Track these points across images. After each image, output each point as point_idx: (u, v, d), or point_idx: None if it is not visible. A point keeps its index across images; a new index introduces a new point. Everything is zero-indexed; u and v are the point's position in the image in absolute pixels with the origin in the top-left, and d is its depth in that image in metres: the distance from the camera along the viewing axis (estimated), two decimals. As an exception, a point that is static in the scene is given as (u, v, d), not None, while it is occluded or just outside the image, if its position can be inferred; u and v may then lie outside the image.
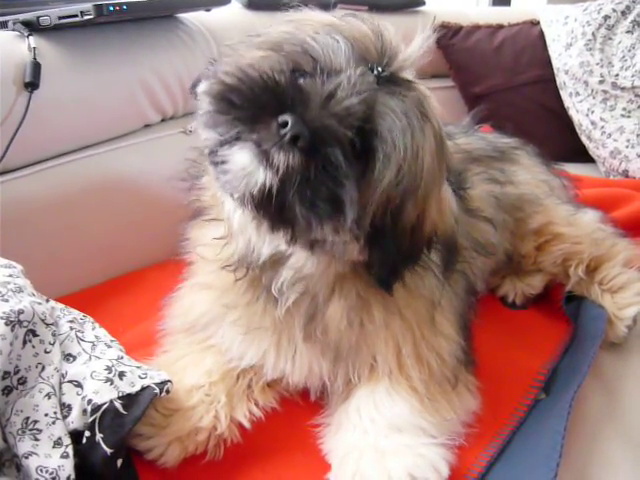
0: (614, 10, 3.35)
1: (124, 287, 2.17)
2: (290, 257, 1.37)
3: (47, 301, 1.52)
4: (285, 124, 1.10)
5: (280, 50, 1.23)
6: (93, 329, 1.53)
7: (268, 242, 1.35)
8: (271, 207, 1.16)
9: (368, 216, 1.22)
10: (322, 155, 1.12)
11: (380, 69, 1.19)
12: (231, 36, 2.46)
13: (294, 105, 1.13)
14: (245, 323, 1.48)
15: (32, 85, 1.96)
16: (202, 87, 1.28)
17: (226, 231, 1.43)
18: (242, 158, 1.14)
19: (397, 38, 1.26)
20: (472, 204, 1.78)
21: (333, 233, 1.21)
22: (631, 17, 3.32)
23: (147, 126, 2.48)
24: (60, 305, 1.54)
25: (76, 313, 1.55)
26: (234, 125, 1.15)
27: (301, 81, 1.19)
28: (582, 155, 3.44)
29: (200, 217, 1.54)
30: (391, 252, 1.29)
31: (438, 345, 1.50)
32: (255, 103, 1.15)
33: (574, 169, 2.70)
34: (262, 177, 1.12)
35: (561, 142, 3.48)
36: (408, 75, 1.25)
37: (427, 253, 1.39)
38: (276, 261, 1.39)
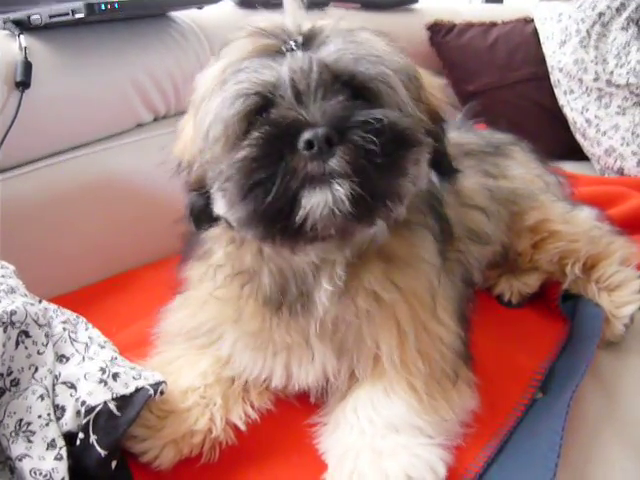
0: (608, 7, 3.34)
1: (118, 286, 2.16)
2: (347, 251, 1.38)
3: (40, 302, 1.50)
4: (309, 143, 1.11)
5: (231, 119, 1.23)
6: (86, 329, 1.52)
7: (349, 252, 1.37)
8: (368, 203, 1.17)
9: (421, 121, 1.29)
10: (354, 127, 1.14)
11: (293, 42, 1.22)
12: (223, 34, 2.48)
13: (295, 129, 1.14)
14: (267, 345, 1.48)
15: (23, 84, 1.96)
16: (222, 205, 1.28)
17: (248, 276, 1.44)
18: (317, 198, 1.14)
19: (271, 17, 1.30)
20: (464, 194, 1.81)
21: (416, 165, 1.26)
22: (626, 14, 3.30)
23: (139, 125, 2.47)
24: (53, 306, 1.53)
25: (69, 314, 1.54)
26: (281, 192, 1.15)
27: (273, 114, 1.20)
28: (577, 153, 3.44)
29: (200, 259, 1.55)
30: (440, 138, 1.38)
31: (438, 334, 1.50)
32: (275, 162, 1.15)
33: (569, 167, 2.70)
34: (344, 190, 1.14)
35: (555, 140, 3.47)
36: (308, 25, 1.27)
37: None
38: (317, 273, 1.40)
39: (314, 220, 1.15)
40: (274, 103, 1.20)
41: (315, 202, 1.14)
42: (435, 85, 1.46)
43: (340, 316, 1.43)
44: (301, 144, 1.11)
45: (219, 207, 1.30)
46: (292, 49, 1.21)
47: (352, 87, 1.22)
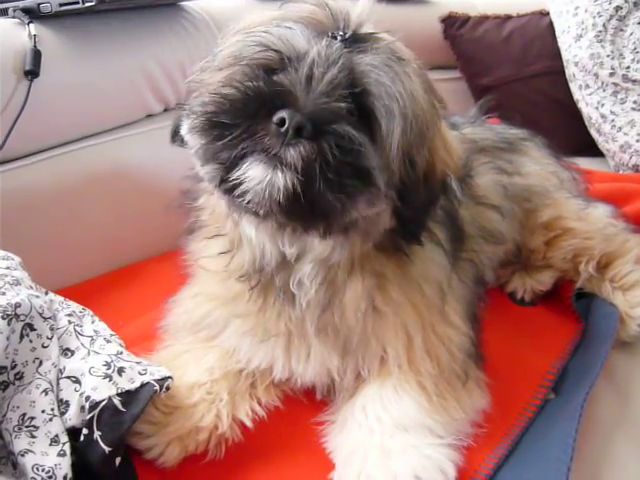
0: (626, 1, 3.28)
1: (125, 279, 2.14)
2: (311, 250, 1.35)
3: (46, 294, 1.50)
4: (282, 121, 1.10)
5: (242, 59, 1.22)
6: (92, 322, 1.51)
7: (289, 245, 1.34)
8: (302, 207, 1.15)
9: (394, 175, 1.23)
10: (330, 134, 1.12)
11: (342, 33, 1.19)
12: (234, 22, 2.46)
13: (282, 101, 1.12)
14: (257, 331, 1.47)
15: (32, 73, 1.94)
16: (185, 128, 1.27)
17: (231, 245, 1.42)
18: (257, 172, 1.13)
19: (342, 1, 1.26)
20: (478, 192, 1.78)
21: (368, 206, 1.22)
22: (644, 8, 3.26)
23: (149, 116, 2.45)
24: (59, 298, 1.52)
25: (75, 306, 1.53)
26: (234, 146, 1.14)
27: (277, 77, 1.18)
28: (591, 149, 3.39)
29: (198, 232, 1.54)
30: (414, 204, 1.30)
31: (447, 336, 1.48)
32: (245, 116, 1.14)
33: (583, 163, 2.66)
34: (283, 181, 1.12)
35: (570, 135, 3.42)
36: (369, 29, 1.25)
37: (443, 194, 1.42)
38: (290, 259, 1.37)
39: (246, 188, 1.14)
40: (286, 69, 1.19)
41: (253, 173, 1.13)
42: (452, 149, 1.40)
43: (330, 322, 1.42)
44: (276, 117, 1.10)
45: (183, 127, 1.29)
46: (335, 37, 1.19)
47: (358, 104, 1.19)
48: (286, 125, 1.09)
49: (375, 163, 1.17)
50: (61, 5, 2.04)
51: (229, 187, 1.17)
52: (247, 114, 1.13)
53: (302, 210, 1.16)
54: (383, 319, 1.43)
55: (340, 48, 1.17)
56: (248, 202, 1.16)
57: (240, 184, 1.14)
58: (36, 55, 1.96)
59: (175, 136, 1.41)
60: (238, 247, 1.41)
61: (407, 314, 1.43)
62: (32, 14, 2.07)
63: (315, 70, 1.15)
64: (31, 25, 2.03)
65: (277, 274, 1.39)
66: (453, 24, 3.66)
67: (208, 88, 1.23)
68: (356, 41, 1.20)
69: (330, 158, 1.11)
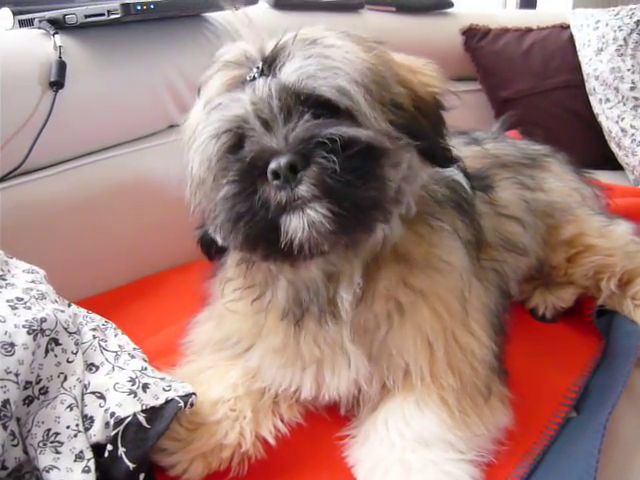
0: (647, 15, 3.29)
1: (146, 290, 2.15)
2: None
3: (69, 306, 1.50)
4: (276, 174, 1.13)
5: (210, 160, 1.25)
6: (115, 335, 1.52)
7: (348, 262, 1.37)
8: (345, 218, 1.17)
9: (389, 126, 1.26)
10: (316, 149, 1.14)
11: (254, 71, 1.23)
12: (257, 34, 2.46)
13: (265, 161, 1.14)
14: (292, 360, 1.47)
15: (57, 84, 1.96)
16: (219, 238, 1.31)
17: (261, 291, 1.44)
18: (293, 226, 1.15)
19: (238, 47, 1.30)
20: (500, 204, 1.78)
21: (395, 167, 1.25)
22: (664, 23, 3.26)
23: (172, 127, 2.44)
24: (83, 311, 1.53)
25: (98, 319, 1.54)
26: (262, 220, 1.17)
27: (246, 149, 1.21)
28: (611, 162, 3.39)
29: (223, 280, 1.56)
30: (426, 134, 1.32)
31: (469, 348, 1.47)
32: (250, 197, 1.17)
33: (603, 177, 2.65)
34: (317, 214, 1.14)
35: (590, 149, 3.43)
36: (268, 46, 1.26)
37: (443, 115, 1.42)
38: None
39: (299, 242, 1.16)
40: (247, 136, 1.21)
41: (293, 227, 1.15)
42: (420, 68, 1.42)
43: (362, 323, 1.42)
44: (269, 175, 1.13)
45: (218, 239, 1.33)
46: (254, 77, 1.22)
47: (314, 104, 1.21)
48: (280, 174, 1.12)
49: (364, 136, 1.18)
50: (87, 17, 2.06)
51: (280, 255, 1.22)
52: (251, 192, 1.16)
53: (350, 219, 1.18)
54: (405, 322, 1.42)
55: (263, 81, 1.21)
56: (302, 253, 1.19)
57: (288, 245, 1.17)
58: (61, 66, 1.98)
59: (211, 251, 1.47)
60: (272, 291, 1.43)
61: (424, 320, 1.43)
62: (57, 25, 2.09)
63: (263, 114, 1.19)
64: (56, 36, 2.05)
65: (320, 295, 1.40)
66: (474, 36, 3.68)
67: (210, 201, 1.27)
68: (272, 62, 1.23)
69: (332, 166, 1.13)
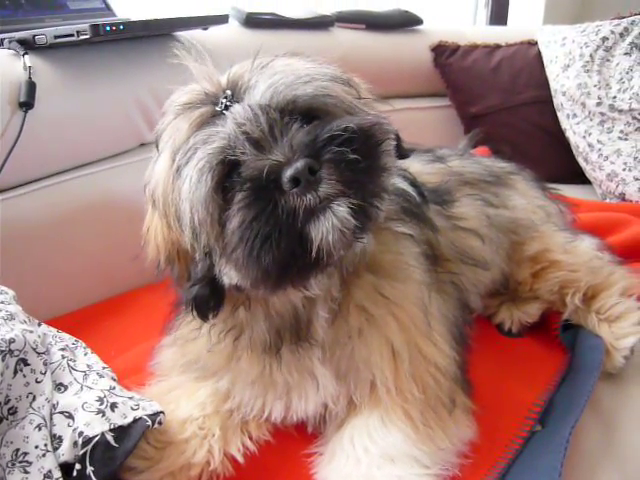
0: (612, 32, 3.34)
1: (117, 308, 2.16)
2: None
3: (39, 325, 1.51)
4: (295, 180, 1.11)
5: (204, 201, 1.22)
6: (85, 355, 1.52)
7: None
8: (364, 209, 1.19)
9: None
10: (325, 147, 1.15)
11: (223, 100, 1.23)
12: (228, 53, 2.48)
13: (274, 173, 1.13)
14: (263, 387, 1.48)
15: (27, 105, 1.97)
16: (232, 276, 1.27)
17: (238, 331, 1.44)
18: (323, 227, 1.14)
19: (199, 79, 1.31)
20: (459, 219, 1.81)
21: (390, 157, 1.29)
22: (629, 39, 3.30)
23: (142, 145, 2.47)
24: (52, 330, 1.53)
25: (67, 338, 1.54)
26: (287, 237, 1.15)
27: (244, 173, 1.19)
28: (579, 177, 3.43)
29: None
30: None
31: (432, 358, 1.49)
32: (270, 213, 1.14)
33: (570, 191, 2.69)
34: (342, 209, 1.15)
35: (558, 164, 3.48)
36: (228, 76, 1.29)
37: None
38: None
39: (328, 247, 1.15)
40: (239, 163, 1.20)
41: (324, 230, 1.14)
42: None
43: (335, 338, 1.43)
44: (287, 184, 1.11)
45: (231, 277, 1.27)
46: (227, 106, 1.22)
47: (301, 113, 1.23)
48: (300, 179, 1.11)
49: (367, 122, 1.22)
50: (56, 37, 2.07)
51: (309, 267, 1.21)
52: (271, 209, 1.14)
53: (366, 211, 1.21)
54: (372, 334, 1.44)
55: (239, 106, 1.21)
56: (332, 252, 1.18)
57: (320, 249, 1.16)
58: (31, 87, 1.99)
59: (206, 310, 1.35)
60: (252, 328, 1.42)
61: (392, 330, 1.44)
62: (27, 45, 2.10)
63: (253, 135, 1.18)
64: (26, 56, 2.05)
65: (300, 325, 1.42)
66: (443, 53, 3.71)
67: (217, 241, 1.23)
68: (235, 90, 1.24)
69: (347, 156, 1.15)
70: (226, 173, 1.21)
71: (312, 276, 1.26)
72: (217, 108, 1.23)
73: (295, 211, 1.13)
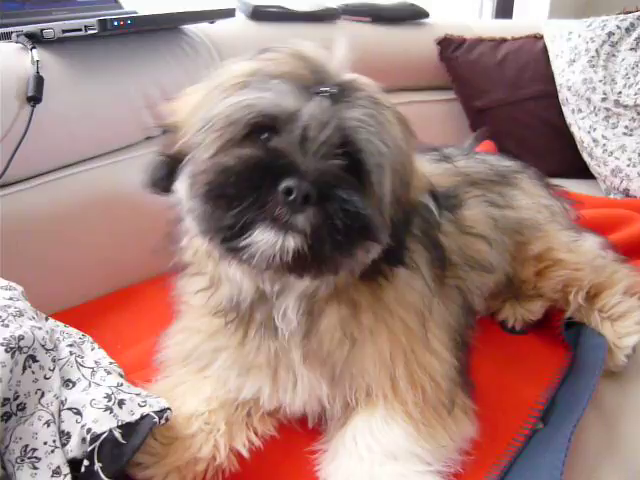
0: (618, 27, 3.33)
1: (123, 302, 2.17)
2: (295, 288, 1.37)
3: (46, 319, 1.51)
4: (289, 190, 1.12)
5: (234, 124, 1.23)
6: (92, 350, 1.53)
7: (270, 284, 1.37)
8: (307, 264, 1.20)
9: (387, 219, 1.30)
10: (335, 199, 1.16)
11: (325, 88, 1.22)
12: (234, 47, 2.48)
13: (284, 168, 1.14)
14: (238, 364, 1.50)
15: (35, 99, 1.97)
16: (183, 189, 1.30)
17: (210, 282, 1.46)
18: (268, 238, 1.15)
19: (318, 50, 1.30)
20: (467, 223, 1.81)
21: (367, 254, 1.29)
22: (635, 34, 3.29)
23: (148, 138, 2.47)
24: (60, 326, 1.54)
25: (75, 334, 1.55)
26: (242, 215, 1.16)
27: (273, 142, 1.21)
28: (583, 172, 3.43)
29: (182, 270, 1.56)
30: (395, 232, 1.34)
31: (430, 365, 1.50)
32: (250, 187, 1.16)
33: (575, 186, 2.70)
34: (294, 245, 1.15)
35: (562, 158, 3.49)
36: (347, 76, 1.28)
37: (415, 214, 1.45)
38: (270, 296, 1.40)
39: (255, 252, 1.17)
40: (279, 132, 1.21)
41: (265, 239, 1.15)
42: (421, 176, 1.46)
43: (314, 349, 1.44)
44: (282, 187, 1.12)
45: (180, 188, 1.33)
46: (322, 95, 1.21)
47: (352, 158, 1.23)
48: (294, 195, 1.11)
49: (377, 221, 1.22)
50: (64, 31, 2.07)
51: (233, 248, 1.20)
52: (252, 185, 1.16)
53: (306, 265, 1.20)
54: (360, 348, 1.45)
55: (328, 106, 1.20)
56: (252, 260, 1.19)
57: (247, 247, 1.17)
58: (39, 81, 1.99)
59: (154, 185, 1.42)
60: (217, 285, 1.44)
61: (384, 342, 1.46)
62: (35, 39, 2.10)
63: (309, 132, 1.18)
64: (34, 51, 2.05)
65: (256, 309, 1.42)
66: (449, 46, 3.71)
67: (203, 151, 1.25)
68: (341, 93, 1.23)
69: (337, 222, 1.15)
70: (264, 127, 1.22)
71: (234, 257, 1.25)
72: (315, 88, 1.22)
73: (265, 205, 1.15)
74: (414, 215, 1.44)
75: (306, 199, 1.12)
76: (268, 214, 1.15)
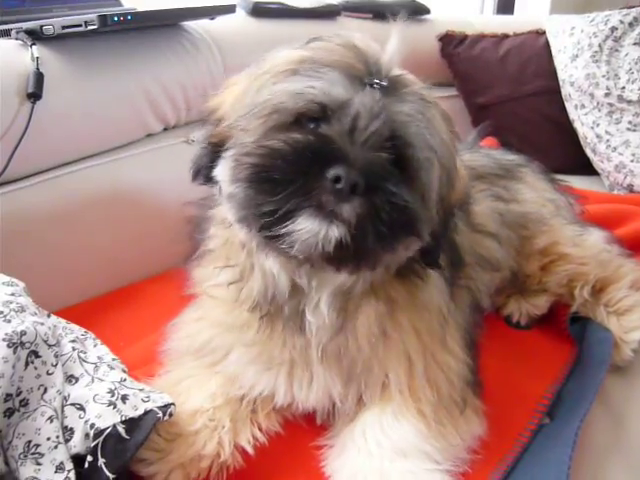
0: (621, 22, 3.32)
1: (125, 299, 2.15)
2: (332, 282, 1.36)
3: (49, 316, 1.50)
4: (337, 178, 1.10)
5: (283, 110, 1.21)
6: (95, 346, 1.52)
7: (307, 278, 1.36)
8: (348, 255, 1.18)
9: (433, 218, 1.30)
10: (382, 191, 1.14)
11: (377, 80, 1.20)
12: (235, 42, 2.47)
13: (332, 156, 1.13)
14: (263, 360, 1.47)
15: (35, 96, 1.95)
16: (226, 174, 1.28)
17: (241, 275, 1.43)
18: (312, 226, 1.14)
19: (369, 42, 1.29)
20: (476, 220, 1.80)
21: (407, 250, 1.28)
22: (638, 29, 3.29)
23: (149, 135, 2.47)
24: (62, 322, 1.53)
25: (77, 330, 1.54)
26: (286, 200, 1.14)
27: (322, 129, 1.19)
28: (586, 168, 3.41)
29: (205, 259, 1.54)
30: (436, 234, 1.34)
31: (446, 364, 1.50)
32: (297, 172, 1.14)
33: (578, 182, 2.68)
34: (337, 234, 1.14)
35: (565, 155, 3.47)
36: (396, 71, 1.27)
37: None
38: (305, 289, 1.38)
39: (295, 240, 1.15)
40: (328, 120, 1.20)
41: (308, 227, 1.14)
42: (463, 177, 1.44)
43: (341, 348, 1.43)
44: (330, 174, 1.11)
45: (221, 172, 1.31)
46: (372, 85, 1.20)
47: (399, 153, 1.21)
48: (342, 183, 1.10)
49: (422, 216, 1.22)
50: (64, 28, 2.06)
51: (273, 235, 1.18)
52: (299, 170, 1.14)
53: (347, 258, 1.19)
54: (389, 345, 1.44)
55: (379, 98, 1.19)
56: (293, 249, 1.17)
57: (289, 235, 1.15)
58: (39, 78, 1.97)
59: (198, 175, 1.41)
60: (248, 277, 1.41)
61: (411, 341, 1.45)
62: (35, 36, 2.08)
63: (359, 122, 1.16)
64: (34, 47, 2.04)
65: (287, 303, 1.39)
66: (450, 42, 3.71)
67: (248, 136, 1.23)
68: (391, 88, 1.22)
69: (382, 214, 1.14)
70: (312, 115, 1.21)
71: (272, 245, 1.23)
72: (367, 80, 1.20)
73: (310, 192, 1.13)
74: (453, 217, 1.44)
75: (353, 189, 1.11)
76: (313, 201, 1.13)
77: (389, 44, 1.28)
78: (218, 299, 1.51)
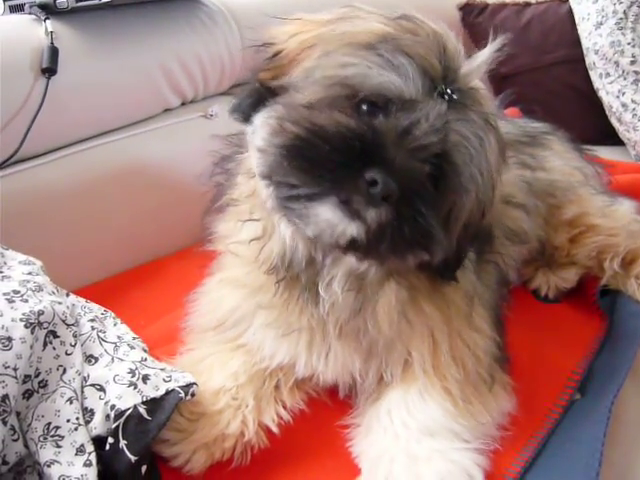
0: (647, -13, 3.25)
1: (145, 277, 2.13)
2: (346, 263, 1.33)
3: (67, 295, 1.49)
4: (374, 182, 1.07)
5: (346, 87, 1.17)
6: (115, 325, 1.50)
7: (322, 254, 1.34)
8: (359, 251, 1.19)
9: (453, 236, 1.27)
10: (412, 206, 1.12)
11: (449, 91, 1.16)
12: (253, 15, 2.42)
13: (376, 154, 1.09)
14: (280, 324, 1.44)
15: (50, 71, 1.92)
16: (263, 125, 1.23)
17: (263, 232, 1.39)
18: (329, 214, 1.11)
19: (457, 44, 1.24)
20: (504, 190, 1.73)
21: (417, 259, 1.25)
22: (665, -5, 3.21)
23: (167, 110, 2.43)
24: (81, 301, 1.51)
25: (96, 309, 1.52)
26: (316, 182, 1.12)
27: (376, 122, 1.14)
28: (611, 138, 3.35)
29: (228, 212, 1.50)
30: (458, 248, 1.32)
31: (473, 341, 1.47)
32: (338, 159, 1.11)
33: (603, 152, 2.63)
34: (355, 232, 1.12)
35: (590, 124, 3.39)
36: (474, 84, 1.23)
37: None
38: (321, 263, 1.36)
39: (311, 223, 1.14)
40: (387, 113, 1.16)
41: (329, 218, 1.12)
42: (497, 202, 1.42)
43: (361, 328, 1.40)
44: (369, 176, 1.07)
45: (261, 122, 1.25)
46: (443, 95, 1.16)
47: (441, 172, 1.19)
48: (377, 189, 1.06)
49: (441, 241, 1.18)
50: (78, 1, 2.02)
51: (292, 208, 1.17)
52: (340, 159, 1.11)
53: (357, 251, 1.19)
54: (412, 327, 1.41)
55: (445, 112, 1.15)
56: (304, 229, 1.17)
57: (306, 217, 1.14)
58: (53, 52, 1.94)
59: (237, 111, 1.35)
60: (270, 237, 1.38)
61: (435, 322, 1.42)
62: (48, 10, 2.04)
63: (415, 130, 1.12)
64: (47, 21, 2.01)
65: (304, 273, 1.36)
66: (471, 12, 3.64)
67: (300, 97, 1.19)
68: (459, 101, 1.18)
69: (404, 228, 1.12)
70: (375, 101, 1.17)
71: (287, 210, 1.20)
72: (440, 87, 1.16)
73: (343, 182, 1.10)
74: (478, 237, 1.41)
75: (386, 197, 1.08)
76: (342, 194, 1.10)
77: (480, 54, 1.25)
78: (239, 257, 1.47)
